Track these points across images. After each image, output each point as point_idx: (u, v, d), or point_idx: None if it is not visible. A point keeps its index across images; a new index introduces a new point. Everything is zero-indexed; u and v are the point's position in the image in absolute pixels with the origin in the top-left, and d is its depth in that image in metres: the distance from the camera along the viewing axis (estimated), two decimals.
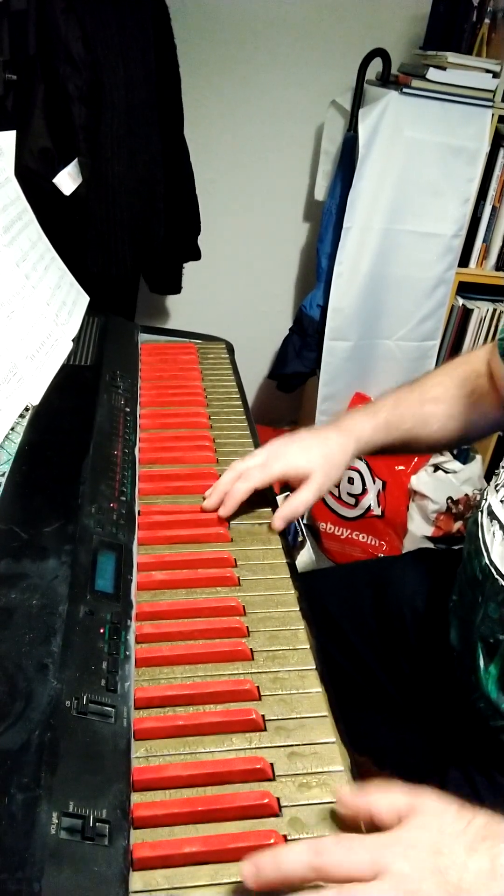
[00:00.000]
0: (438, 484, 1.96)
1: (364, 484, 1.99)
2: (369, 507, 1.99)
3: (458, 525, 1.98)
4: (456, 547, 0.89)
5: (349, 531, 2.05)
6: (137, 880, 0.44)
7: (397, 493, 1.97)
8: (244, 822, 0.48)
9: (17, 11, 1.26)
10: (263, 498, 0.80)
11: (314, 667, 0.61)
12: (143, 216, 1.49)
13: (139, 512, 0.75)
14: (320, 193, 2.00)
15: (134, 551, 0.70)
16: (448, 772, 0.73)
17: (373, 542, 2.03)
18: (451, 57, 1.68)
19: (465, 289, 2.02)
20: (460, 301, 2.03)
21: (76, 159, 1.37)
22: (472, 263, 1.99)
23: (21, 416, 0.80)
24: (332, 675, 0.61)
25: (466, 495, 1.98)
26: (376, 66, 1.80)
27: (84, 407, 0.85)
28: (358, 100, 1.80)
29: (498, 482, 0.77)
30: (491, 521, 0.74)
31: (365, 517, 2.01)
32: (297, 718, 0.56)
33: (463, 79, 1.70)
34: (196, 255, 1.79)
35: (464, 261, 1.96)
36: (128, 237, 1.46)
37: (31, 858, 0.40)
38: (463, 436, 0.91)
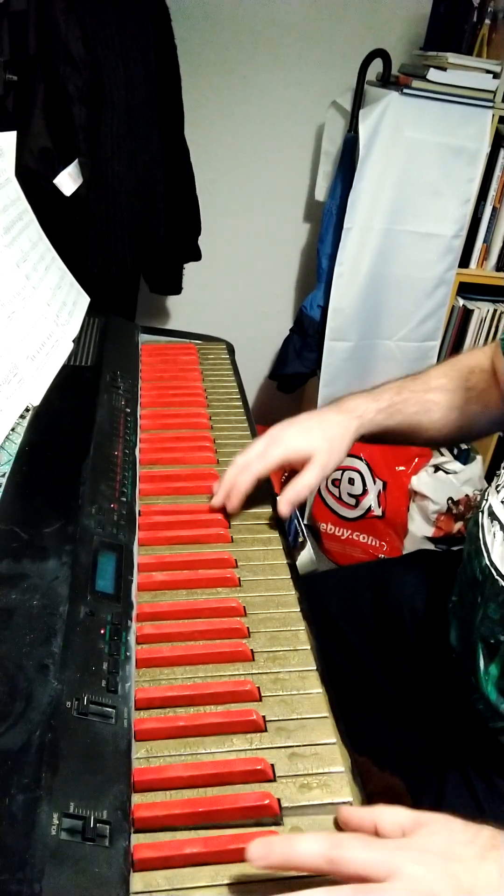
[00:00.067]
0: (439, 484, 1.96)
1: (364, 484, 1.99)
2: (370, 507, 1.99)
3: (458, 526, 1.98)
4: (456, 548, 0.88)
5: (349, 532, 2.05)
6: (138, 881, 0.44)
7: (398, 493, 1.97)
8: (245, 823, 0.48)
9: (17, 11, 1.26)
10: (263, 497, 0.80)
11: (315, 668, 0.61)
12: (143, 216, 1.49)
13: (140, 512, 0.75)
14: (320, 194, 2.00)
15: (134, 552, 0.70)
16: (447, 773, 0.73)
17: (373, 543, 2.02)
18: (452, 57, 1.68)
19: (465, 289, 2.02)
20: (461, 301, 2.03)
21: (76, 159, 1.37)
22: (473, 264, 1.99)
23: (21, 416, 0.80)
24: (332, 676, 0.61)
25: (467, 496, 1.98)
26: (377, 66, 1.80)
27: (84, 407, 0.85)
28: (358, 100, 1.80)
29: (499, 483, 0.77)
30: (492, 522, 0.74)
31: (365, 518, 2.01)
32: (297, 719, 0.56)
33: (463, 79, 1.70)
34: (196, 255, 1.79)
35: (464, 261, 1.96)
36: (128, 237, 1.46)
37: (31, 859, 0.40)
38: (464, 428, 0.90)
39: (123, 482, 0.77)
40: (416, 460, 1.97)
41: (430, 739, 0.84)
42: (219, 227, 1.97)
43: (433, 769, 0.75)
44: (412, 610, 0.89)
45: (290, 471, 0.81)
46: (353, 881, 0.41)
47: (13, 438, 0.76)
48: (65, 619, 0.56)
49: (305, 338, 1.97)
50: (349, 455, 0.84)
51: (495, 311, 2.04)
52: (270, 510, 0.80)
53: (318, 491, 2.08)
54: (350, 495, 2.01)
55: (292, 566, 0.73)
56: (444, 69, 1.68)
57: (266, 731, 0.55)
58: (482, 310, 2.04)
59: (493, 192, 1.90)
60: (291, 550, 0.77)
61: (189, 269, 1.84)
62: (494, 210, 1.93)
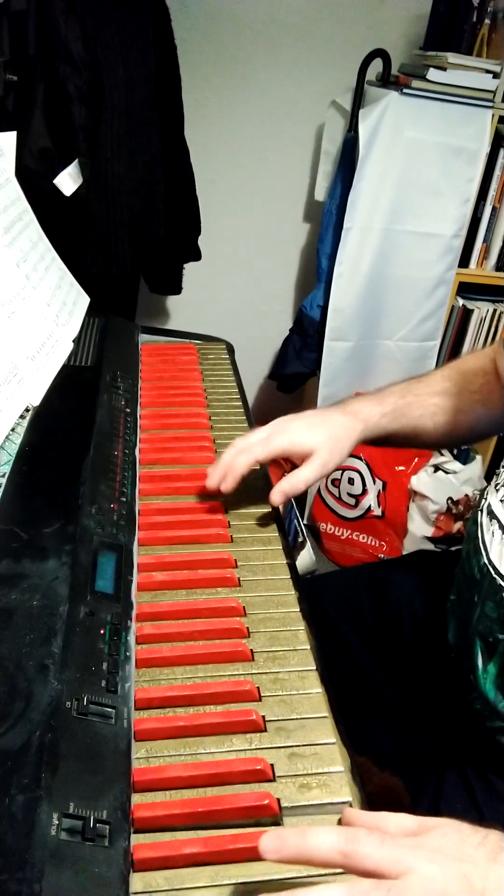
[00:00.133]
0: (438, 484, 1.96)
1: (364, 484, 1.99)
2: (369, 507, 1.99)
3: (458, 525, 1.98)
4: (455, 548, 0.88)
5: (349, 532, 2.05)
6: (138, 881, 0.44)
7: (397, 493, 1.97)
8: (244, 823, 0.48)
9: (17, 11, 1.26)
10: (261, 493, 0.80)
11: (314, 667, 0.61)
12: (143, 216, 1.49)
13: (139, 512, 0.75)
14: (320, 194, 2.00)
15: (134, 552, 0.70)
16: (445, 773, 0.73)
17: (373, 543, 2.03)
18: (452, 57, 1.68)
19: (465, 289, 2.02)
20: (460, 301, 2.03)
21: (76, 159, 1.37)
22: (473, 264, 1.99)
23: (21, 416, 0.80)
24: (331, 677, 0.61)
25: (466, 496, 1.98)
26: (376, 66, 1.80)
27: (84, 407, 0.85)
28: (358, 100, 1.80)
29: (498, 482, 0.77)
30: (490, 521, 0.74)
31: (365, 518, 2.01)
32: (297, 719, 0.56)
33: (463, 79, 1.70)
34: (196, 255, 1.79)
35: (464, 261, 1.96)
36: (128, 237, 1.46)
37: (31, 859, 0.40)
38: (467, 431, 0.90)
39: (123, 482, 0.77)
40: (416, 460, 1.97)
41: (428, 739, 0.84)
42: (219, 227, 1.97)
43: (432, 769, 0.75)
44: (411, 610, 0.89)
45: (290, 468, 0.81)
46: (363, 876, 0.41)
47: (13, 438, 0.76)
48: (64, 619, 0.56)
49: (305, 338, 1.97)
50: (349, 455, 0.84)
51: (495, 310, 2.04)
52: (270, 510, 0.80)
53: (318, 491, 2.08)
54: (350, 495, 2.01)
55: (292, 566, 0.73)
56: (444, 69, 1.68)
57: (266, 731, 0.55)
58: (482, 310, 2.04)
59: (492, 192, 1.90)
60: (291, 550, 0.77)
61: (189, 269, 1.84)
62: (494, 210, 1.93)
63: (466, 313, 2.04)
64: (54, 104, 1.32)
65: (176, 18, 1.52)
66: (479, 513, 0.77)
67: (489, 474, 2.10)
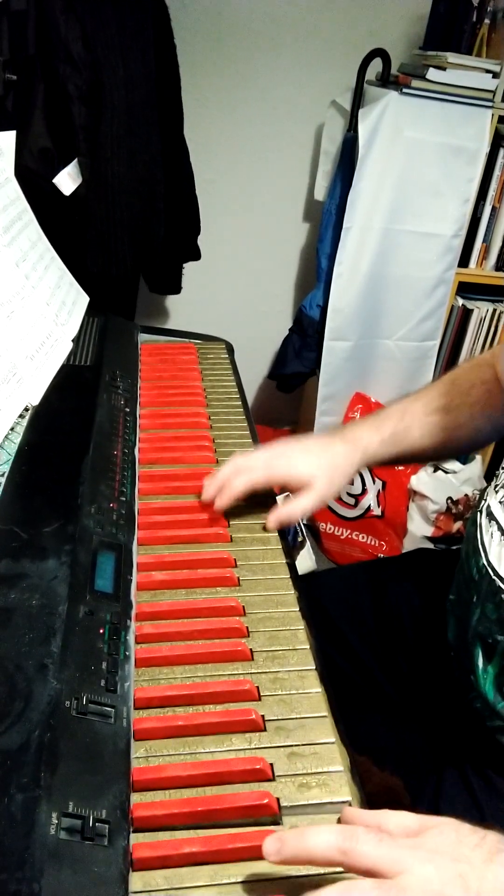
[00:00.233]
0: (438, 484, 1.96)
1: (364, 484, 1.99)
2: (369, 507, 1.99)
3: (457, 525, 1.98)
4: (455, 547, 0.88)
5: (349, 531, 2.05)
6: (137, 881, 0.44)
7: (397, 493, 1.97)
8: (244, 823, 0.48)
9: (17, 11, 1.26)
10: (264, 499, 0.80)
11: (314, 667, 0.61)
12: (143, 216, 1.49)
13: (139, 512, 0.75)
14: (320, 193, 2.00)
15: (134, 551, 0.70)
16: (444, 772, 0.73)
17: (373, 543, 2.03)
18: (451, 57, 1.69)
19: (464, 289, 2.02)
20: (460, 301, 2.03)
21: (76, 159, 1.37)
22: (472, 263, 1.99)
23: (21, 416, 0.80)
24: (331, 676, 0.61)
25: (466, 495, 1.98)
26: (376, 66, 1.80)
27: (84, 407, 0.85)
28: (358, 100, 1.80)
29: (498, 483, 0.77)
30: (490, 522, 0.74)
31: (365, 517, 2.01)
32: (296, 719, 0.56)
33: (463, 79, 1.70)
34: (196, 255, 1.79)
35: (464, 261, 1.96)
36: (128, 237, 1.46)
37: (30, 858, 0.40)
38: (470, 442, 0.90)
39: (123, 482, 0.77)
40: None
41: (428, 738, 0.84)
42: (218, 226, 1.97)
43: (432, 768, 0.75)
44: (411, 609, 0.89)
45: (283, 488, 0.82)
46: (361, 874, 0.42)
47: (12, 438, 0.76)
48: (64, 619, 0.56)
49: (305, 337, 1.97)
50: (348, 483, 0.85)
51: (495, 310, 2.04)
52: (269, 510, 0.80)
53: None
54: (349, 495, 2.01)
55: (291, 566, 0.73)
56: (444, 69, 1.68)
57: (265, 730, 0.55)
58: (481, 309, 2.04)
59: (492, 192, 1.91)
60: (291, 550, 0.77)
61: (189, 268, 1.84)
62: (494, 210, 1.93)
63: (466, 313, 2.04)
64: (54, 104, 1.32)
65: (176, 18, 1.52)
66: (479, 514, 0.77)
67: (489, 474, 2.10)
